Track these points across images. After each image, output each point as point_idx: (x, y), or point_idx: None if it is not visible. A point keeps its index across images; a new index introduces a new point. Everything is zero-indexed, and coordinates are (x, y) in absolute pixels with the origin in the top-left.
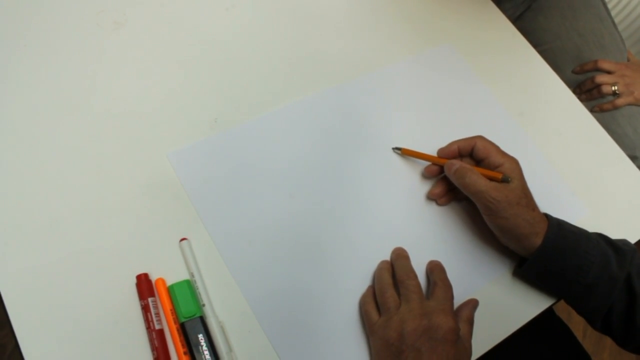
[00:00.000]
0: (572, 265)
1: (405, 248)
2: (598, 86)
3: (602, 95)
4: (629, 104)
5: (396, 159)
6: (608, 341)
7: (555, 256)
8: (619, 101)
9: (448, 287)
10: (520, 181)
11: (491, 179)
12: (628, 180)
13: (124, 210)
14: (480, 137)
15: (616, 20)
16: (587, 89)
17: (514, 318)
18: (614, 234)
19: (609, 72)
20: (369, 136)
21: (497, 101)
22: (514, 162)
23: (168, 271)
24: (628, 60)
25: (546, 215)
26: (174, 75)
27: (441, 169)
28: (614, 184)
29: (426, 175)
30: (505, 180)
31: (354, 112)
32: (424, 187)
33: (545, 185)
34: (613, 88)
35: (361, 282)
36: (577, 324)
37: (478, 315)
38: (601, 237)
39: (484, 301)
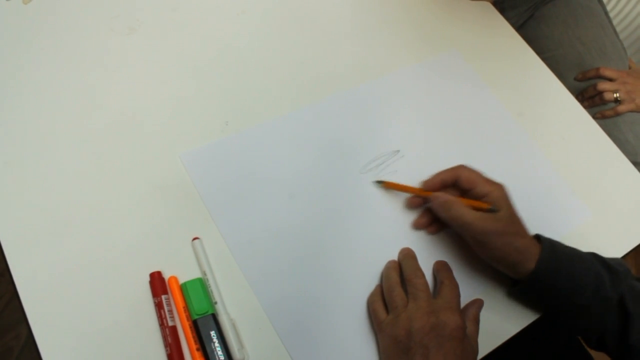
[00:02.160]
0: (565, 288)
1: (412, 248)
2: (600, 93)
3: (604, 102)
4: (631, 111)
5: (402, 163)
6: None
7: (548, 280)
8: (621, 108)
9: (455, 286)
10: (508, 209)
11: (478, 209)
12: (630, 185)
13: (138, 210)
14: (463, 167)
15: (618, 29)
16: (589, 96)
17: (518, 319)
18: (615, 238)
19: (610, 80)
20: (376, 140)
21: (501, 106)
22: (501, 190)
23: (181, 269)
24: (629, 68)
25: (538, 237)
26: (186, 79)
27: (424, 200)
28: (617, 189)
29: (408, 207)
30: (492, 210)
31: (362, 117)
32: None
33: (549, 189)
34: (615, 95)
35: (369, 281)
36: None
37: (482, 315)
38: (595, 258)
39: (489, 301)
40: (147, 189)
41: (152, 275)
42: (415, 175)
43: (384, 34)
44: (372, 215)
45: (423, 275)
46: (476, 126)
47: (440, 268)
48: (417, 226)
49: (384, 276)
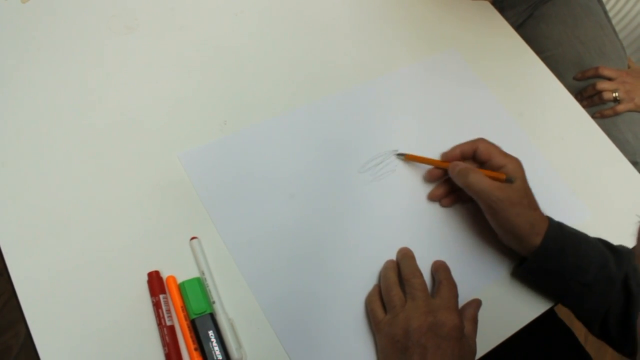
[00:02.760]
0: (571, 265)
1: (411, 248)
2: (599, 92)
3: (603, 101)
4: (630, 111)
5: (400, 162)
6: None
7: (554, 255)
8: (620, 107)
9: (453, 286)
10: (522, 182)
11: (494, 179)
12: (629, 185)
13: (136, 210)
14: (482, 140)
15: (617, 28)
16: (588, 95)
17: (516, 318)
18: (614, 238)
19: (609, 79)
20: (375, 140)
21: (500, 106)
22: (517, 163)
23: (179, 269)
24: (628, 67)
25: (547, 217)
26: (184, 78)
27: (443, 172)
28: (616, 188)
29: (428, 179)
30: (508, 181)
31: (360, 117)
32: (427, 189)
33: (547, 188)
34: (614, 94)
35: (367, 281)
36: (580, 330)
37: (481, 315)
38: (599, 240)
39: (487, 301)
40: (146, 189)
41: (150, 274)
42: (413, 174)
43: (382, 34)
44: (370, 214)
45: (421, 275)
46: (475, 126)
47: (439, 268)
48: (432, 197)
49: (382, 276)
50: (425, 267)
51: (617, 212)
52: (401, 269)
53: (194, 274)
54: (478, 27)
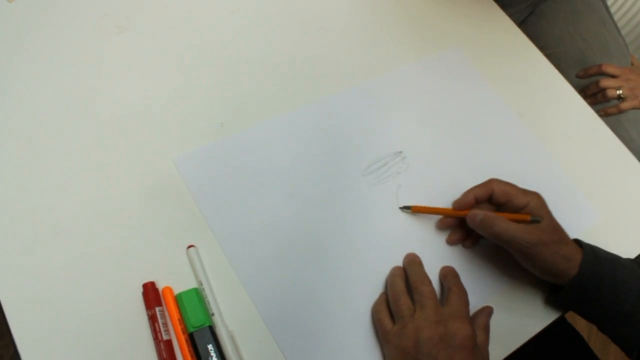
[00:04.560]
0: (608, 294)
1: (418, 254)
2: (602, 90)
3: (607, 99)
4: (634, 108)
5: (405, 165)
6: (613, 347)
7: (591, 285)
8: (624, 105)
9: (463, 293)
10: (549, 217)
11: (519, 221)
12: (632, 178)
13: (129, 217)
14: (496, 181)
15: (619, 25)
16: (591, 93)
17: (528, 326)
18: (626, 241)
19: (613, 76)
20: (378, 141)
21: (504, 103)
22: (538, 198)
23: (175, 279)
24: (632, 64)
25: (578, 243)
26: (178, 79)
27: (457, 220)
28: (625, 188)
29: (441, 228)
30: (535, 221)
31: (362, 117)
32: (434, 191)
33: (557, 191)
34: (618, 92)
35: (373, 289)
36: (581, 329)
37: (492, 322)
38: (635, 264)
39: (498, 308)
40: (139, 195)
41: (145, 286)
42: (419, 177)
43: (382, 31)
44: (375, 219)
45: (430, 282)
46: (480, 126)
47: (447, 274)
48: (452, 242)
49: (389, 284)
50: (433, 274)
51: (627, 212)
52: (409, 275)
53: (191, 284)
54: (480, 24)
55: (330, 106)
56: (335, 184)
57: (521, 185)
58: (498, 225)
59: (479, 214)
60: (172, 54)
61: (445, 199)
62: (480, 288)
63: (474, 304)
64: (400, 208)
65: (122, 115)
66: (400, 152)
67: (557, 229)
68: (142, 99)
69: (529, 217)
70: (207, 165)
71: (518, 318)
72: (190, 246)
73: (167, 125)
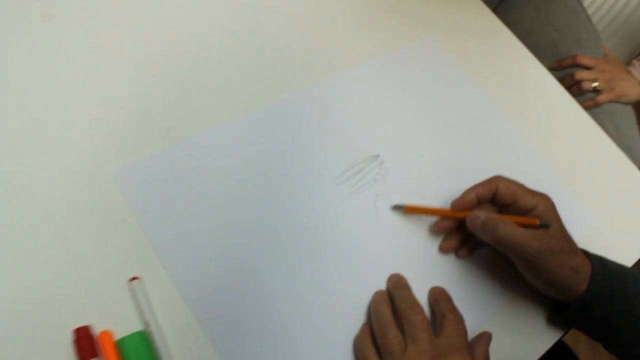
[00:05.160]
0: (621, 311)
1: (402, 273)
2: (578, 83)
3: (582, 92)
4: (610, 101)
5: (383, 170)
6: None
7: (602, 301)
8: (601, 98)
9: (459, 320)
10: (558, 223)
11: (526, 226)
12: (626, 179)
13: (58, 246)
14: (501, 178)
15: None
16: (566, 86)
17: (528, 349)
18: (622, 245)
19: (587, 68)
20: (352, 144)
21: (485, 97)
22: (548, 201)
23: (116, 321)
24: (605, 55)
25: (585, 253)
26: (118, 76)
27: (455, 223)
28: (615, 186)
29: (436, 231)
30: (543, 226)
31: (330, 116)
32: (417, 198)
33: (545, 188)
34: (593, 84)
35: (353, 320)
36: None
37: (490, 350)
38: None
39: (495, 332)
40: (69, 218)
41: (76, 331)
42: (399, 184)
43: (351, 21)
44: (352, 234)
45: (422, 309)
46: (462, 124)
47: (439, 297)
48: (445, 250)
49: (374, 313)
50: (421, 296)
51: (619, 215)
52: (396, 302)
53: (136, 326)
54: (455, 11)
55: (295, 105)
56: (304, 195)
57: None
58: (502, 229)
59: (481, 215)
60: (109, 46)
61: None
62: (474, 307)
63: (469, 326)
64: (392, 208)
65: (47, 121)
66: (377, 155)
67: (566, 238)
68: (73, 101)
69: (537, 221)
70: (153, 178)
71: (518, 341)
72: (133, 278)
73: (105, 131)
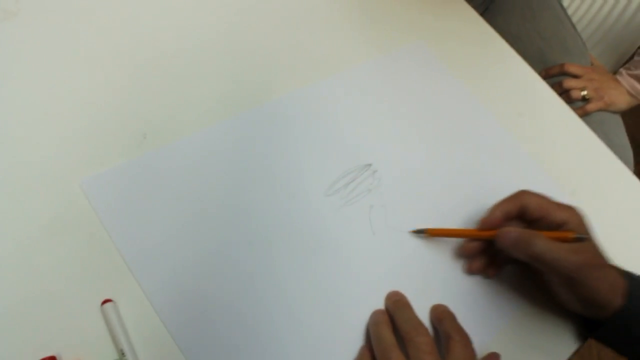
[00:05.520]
0: None
1: (401, 290)
2: (566, 91)
3: (571, 100)
4: (600, 110)
5: (377, 179)
6: None
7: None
8: (590, 107)
9: (467, 341)
10: (592, 236)
11: (561, 240)
12: (623, 185)
13: (19, 263)
14: (527, 193)
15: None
16: None
17: None
18: (618, 244)
19: (576, 77)
20: (339, 152)
21: (476, 100)
22: (578, 214)
23: (87, 349)
24: (591, 64)
25: (619, 270)
26: (90, 80)
27: (484, 243)
28: (613, 195)
29: (464, 255)
30: (580, 240)
31: (317, 123)
32: (417, 207)
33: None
34: (582, 93)
35: (352, 342)
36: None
37: None
38: None
39: (503, 352)
40: (34, 232)
41: None
42: (394, 194)
43: (338, 24)
44: (345, 249)
45: (427, 331)
46: (453, 127)
47: (442, 316)
48: (472, 271)
49: (374, 335)
50: (421, 315)
51: (614, 215)
52: (397, 323)
53: (109, 355)
54: (443, 16)
55: (279, 111)
56: (292, 208)
57: (505, 192)
58: (538, 245)
59: (513, 232)
60: (80, 47)
61: (431, 219)
62: (479, 324)
63: (474, 345)
64: (412, 232)
65: (9, 128)
66: (369, 164)
67: (601, 251)
68: (38, 106)
69: (572, 235)
70: (126, 189)
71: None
72: (106, 301)
73: (73, 138)
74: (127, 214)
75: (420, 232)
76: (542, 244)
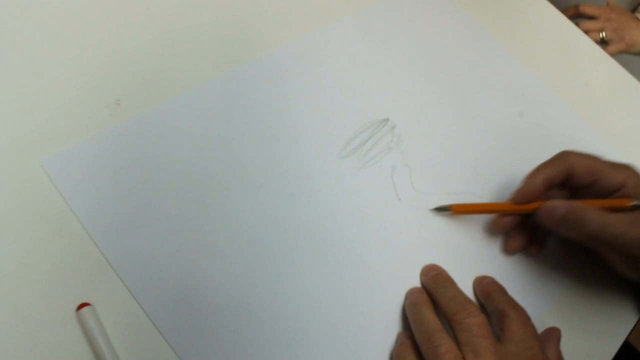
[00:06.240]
0: None
1: (436, 262)
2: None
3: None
4: (621, 52)
5: (398, 136)
6: None
7: None
8: (610, 49)
9: (525, 317)
10: None
11: (616, 210)
12: None
13: None
14: (572, 154)
15: None
16: None
17: (595, 350)
18: None
19: (592, 18)
20: (354, 108)
21: (500, 45)
22: (635, 174)
23: None
24: (607, 3)
25: None
26: (53, 39)
27: (520, 218)
28: None
29: (498, 231)
30: (637, 207)
31: (323, 73)
32: (444, 168)
33: (583, 145)
34: (601, 35)
35: (384, 328)
36: None
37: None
38: None
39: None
40: None
41: None
42: (418, 153)
43: None
44: (370, 219)
45: (477, 308)
46: (477, 74)
47: (490, 289)
48: (511, 252)
49: (414, 320)
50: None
51: None
52: (440, 303)
53: None
54: None
55: (277, 64)
56: (300, 176)
57: (546, 151)
58: (592, 223)
59: (559, 206)
60: (40, 4)
61: (463, 182)
62: (528, 303)
63: None
64: (433, 210)
65: None
66: (386, 119)
67: None
68: None
69: (630, 202)
70: (98, 168)
71: (582, 339)
72: (82, 305)
73: (34, 109)
74: (102, 198)
75: (443, 210)
76: (597, 220)
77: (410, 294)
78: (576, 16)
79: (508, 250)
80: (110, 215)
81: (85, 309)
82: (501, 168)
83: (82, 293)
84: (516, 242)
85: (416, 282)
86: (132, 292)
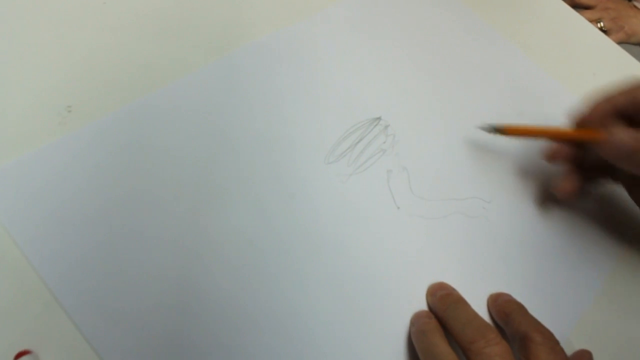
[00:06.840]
0: None
1: (442, 279)
2: None
3: None
4: (620, 42)
5: (393, 134)
6: None
7: None
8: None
9: (553, 342)
10: None
11: None
12: None
13: None
14: None
15: None
16: None
17: None
18: None
19: (588, 8)
20: (343, 107)
21: (498, 34)
22: None
23: None
24: None
25: None
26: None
27: (576, 149)
28: None
29: (550, 160)
30: None
31: (307, 68)
32: (444, 169)
33: None
34: (599, 25)
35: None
36: None
37: None
38: None
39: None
40: None
41: None
42: (415, 153)
43: None
44: (365, 231)
45: (498, 336)
46: (476, 65)
47: (509, 309)
48: (568, 193)
49: (423, 351)
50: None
51: None
52: (452, 328)
53: None
54: None
55: (252, 59)
56: (281, 186)
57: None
58: None
59: (628, 139)
60: None
61: (468, 186)
62: (551, 320)
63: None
64: (481, 128)
65: None
66: (378, 118)
67: None
68: None
69: None
70: (45, 186)
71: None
72: (21, 354)
73: None
74: (50, 223)
75: (493, 130)
76: None
77: (417, 320)
78: (572, 6)
79: (562, 191)
80: (59, 243)
81: (24, 358)
82: (510, 169)
83: (22, 338)
84: (572, 183)
85: (422, 304)
86: (86, 337)
